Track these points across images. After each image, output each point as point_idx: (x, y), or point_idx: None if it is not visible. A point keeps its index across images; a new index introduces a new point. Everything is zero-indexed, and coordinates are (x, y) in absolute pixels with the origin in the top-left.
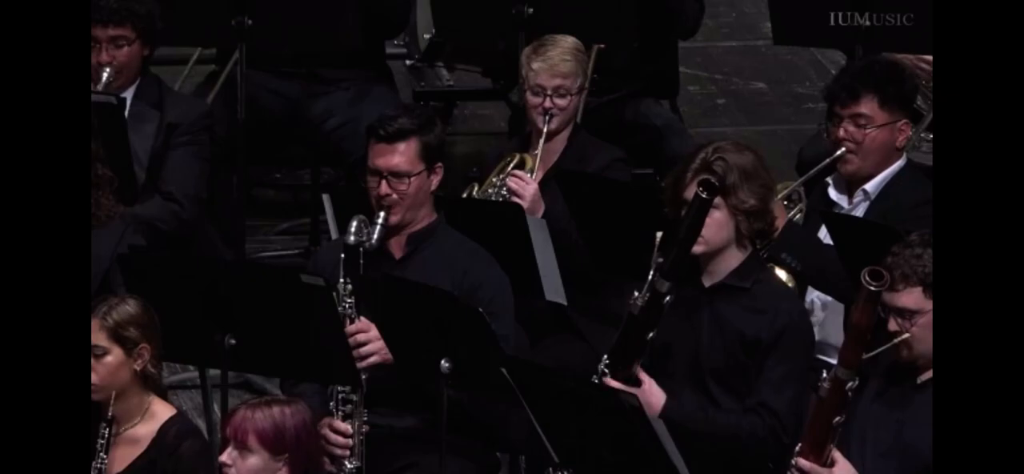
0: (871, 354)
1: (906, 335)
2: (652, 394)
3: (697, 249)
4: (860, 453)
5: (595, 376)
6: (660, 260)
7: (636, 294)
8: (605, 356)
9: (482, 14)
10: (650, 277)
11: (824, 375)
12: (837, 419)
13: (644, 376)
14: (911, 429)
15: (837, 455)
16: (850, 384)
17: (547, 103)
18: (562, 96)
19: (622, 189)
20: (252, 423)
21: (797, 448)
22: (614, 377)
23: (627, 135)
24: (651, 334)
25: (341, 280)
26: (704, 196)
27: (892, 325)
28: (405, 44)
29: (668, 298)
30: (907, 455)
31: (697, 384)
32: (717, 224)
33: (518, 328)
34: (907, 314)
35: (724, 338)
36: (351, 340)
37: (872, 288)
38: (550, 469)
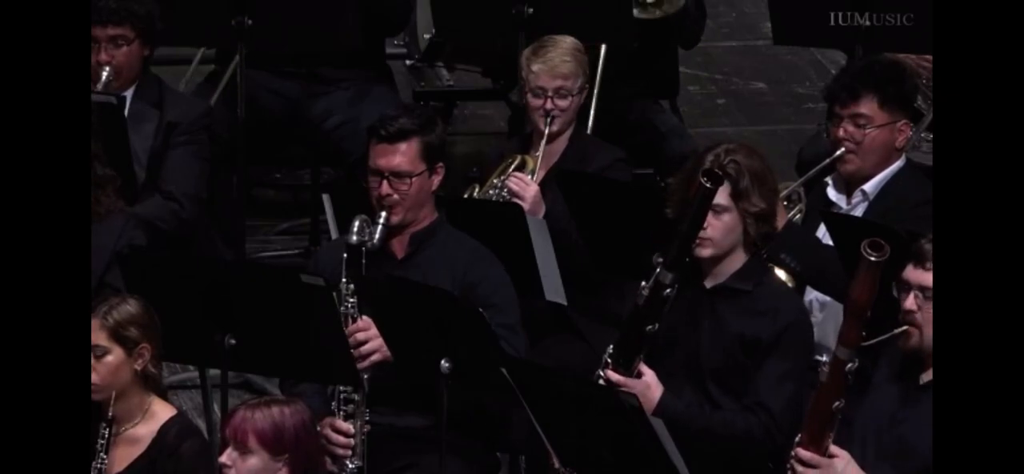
0: (872, 341)
1: (904, 328)
2: (650, 387)
3: (705, 253)
4: (861, 452)
5: (600, 369)
6: (660, 259)
7: (644, 284)
8: (610, 347)
9: (482, 14)
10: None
11: (823, 358)
12: (837, 404)
13: (645, 369)
14: (912, 429)
15: (836, 449)
16: (850, 365)
17: (548, 104)
18: (563, 97)
19: (622, 189)
20: (252, 423)
21: (797, 438)
22: (616, 370)
23: (627, 135)
24: (651, 327)
25: (343, 280)
26: (709, 186)
27: (911, 303)
28: (405, 44)
29: (668, 291)
30: (907, 455)
31: (697, 385)
32: (726, 227)
33: None
34: (930, 294)
35: (724, 339)
36: (351, 339)
37: (873, 259)
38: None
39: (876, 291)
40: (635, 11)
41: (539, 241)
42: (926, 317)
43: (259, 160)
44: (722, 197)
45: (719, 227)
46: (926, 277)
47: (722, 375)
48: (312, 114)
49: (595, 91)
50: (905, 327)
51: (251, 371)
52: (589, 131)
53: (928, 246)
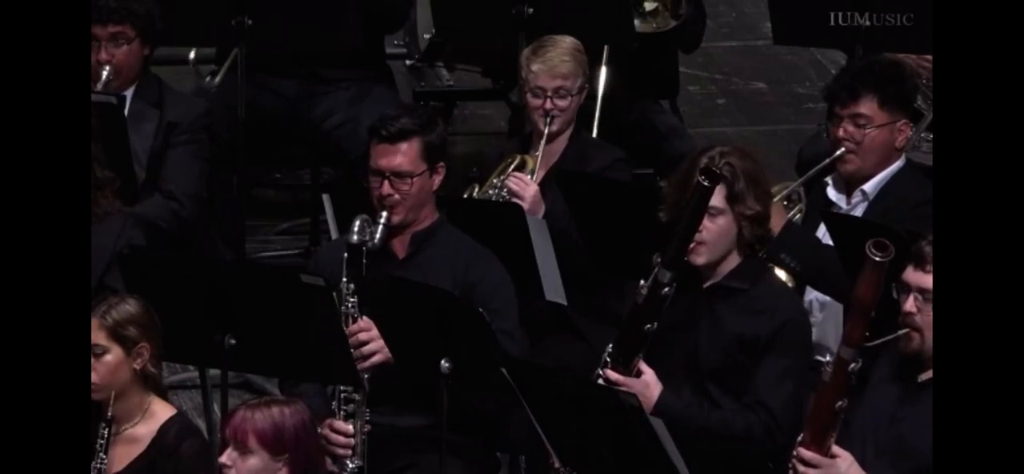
0: (875, 342)
1: (904, 331)
2: (650, 386)
3: (699, 260)
4: (861, 452)
5: (599, 367)
6: (659, 259)
7: (643, 283)
8: (610, 346)
9: (482, 14)
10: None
11: (827, 357)
12: (840, 403)
13: (644, 368)
14: (911, 428)
15: (838, 449)
16: (853, 365)
17: (547, 104)
18: (562, 97)
19: (622, 189)
20: (252, 423)
21: (799, 438)
22: (615, 369)
23: (628, 135)
24: (650, 326)
25: (343, 280)
26: (706, 184)
27: (910, 305)
28: (405, 44)
29: (667, 290)
30: (906, 453)
31: (696, 385)
32: (720, 230)
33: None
34: (930, 296)
35: (722, 339)
36: (352, 339)
37: (877, 259)
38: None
39: (881, 291)
40: (636, 23)
41: (539, 241)
42: (926, 320)
43: (259, 160)
44: (717, 200)
45: (714, 230)
46: (926, 279)
47: (721, 375)
48: (312, 114)
49: (600, 94)
50: (906, 329)
51: (251, 371)
52: (594, 134)
53: (928, 248)
